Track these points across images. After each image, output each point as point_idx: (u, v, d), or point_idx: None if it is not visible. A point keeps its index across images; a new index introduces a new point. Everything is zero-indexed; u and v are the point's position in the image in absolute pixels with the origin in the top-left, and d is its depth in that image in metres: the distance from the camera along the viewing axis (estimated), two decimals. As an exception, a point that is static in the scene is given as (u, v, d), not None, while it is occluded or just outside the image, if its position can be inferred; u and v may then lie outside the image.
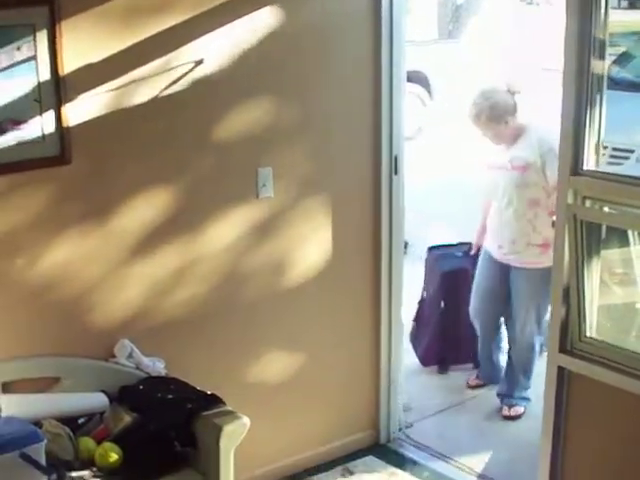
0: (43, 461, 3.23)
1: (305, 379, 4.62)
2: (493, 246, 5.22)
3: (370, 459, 4.83)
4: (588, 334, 3.84)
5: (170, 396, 3.74)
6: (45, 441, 3.28)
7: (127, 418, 3.71)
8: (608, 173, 3.75)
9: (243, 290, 4.31)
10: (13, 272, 3.66)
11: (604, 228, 3.78)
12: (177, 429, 3.60)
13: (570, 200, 3.75)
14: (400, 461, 4.84)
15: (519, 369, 5.30)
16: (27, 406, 3.59)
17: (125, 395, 3.83)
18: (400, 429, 5.09)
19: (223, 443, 3.51)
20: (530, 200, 4.96)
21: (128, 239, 3.92)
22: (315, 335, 4.61)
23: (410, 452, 4.93)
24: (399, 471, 4.73)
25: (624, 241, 3.89)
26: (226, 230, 4.18)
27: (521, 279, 5.15)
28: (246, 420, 3.56)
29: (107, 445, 3.57)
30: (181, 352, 4.11)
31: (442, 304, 5.76)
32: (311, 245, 4.49)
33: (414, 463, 4.82)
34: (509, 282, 5.22)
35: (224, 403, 3.68)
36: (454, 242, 5.86)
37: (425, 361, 5.85)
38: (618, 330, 3.90)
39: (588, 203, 3.76)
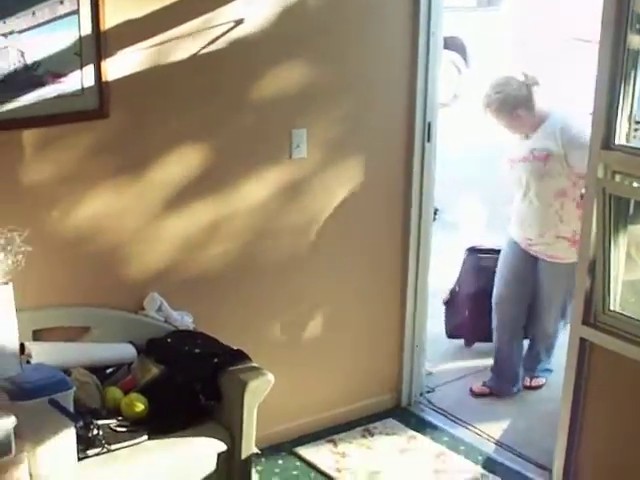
0: (71, 408, 3.30)
1: (330, 340, 4.68)
2: (520, 238, 5.03)
3: (390, 421, 4.87)
4: (612, 307, 3.87)
5: (197, 350, 3.79)
6: (74, 389, 3.35)
7: (154, 370, 3.76)
8: (639, 148, 3.76)
9: (273, 249, 4.35)
10: (49, 223, 3.71)
11: (632, 203, 3.80)
12: (203, 383, 3.64)
13: (600, 174, 3.76)
14: (420, 425, 4.88)
15: (542, 350, 5.29)
16: (57, 354, 3.64)
17: (153, 347, 3.88)
18: (421, 393, 5.13)
19: (247, 398, 3.55)
20: (556, 191, 4.79)
21: (162, 194, 3.97)
22: (342, 296, 4.66)
23: (430, 416, 4.97)
24: (418, 435, 4.76)
25: (652, 217, 3.92)
26: (259, 189, 4.22)
27: (549, 273, 5.03)
28: (271, 377, 3.60)
29: (133, 395, 3.63)
30: (209, 308, 4.17)
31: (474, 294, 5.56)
32: (342, 207, 4.51)
33: (434, 427, 4.86)
34: (537, 271, 5.08)
35: (250, 359, 3.72)
36: (494, 247, 5.50)
37: (452, 335, 5.73)
38: (642, 305, 3.93)
39: (618, 178, 3.77)
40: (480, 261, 5.55)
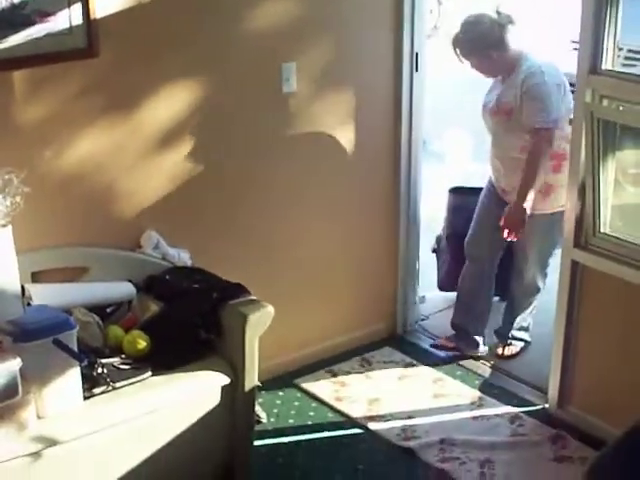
0: (75, 347, 3.32)
1: (326, 272, 4.72)
2: (496, 184, 4.69)
3: (387, 350, 4.94)
4: (602, 230, 3.94)
5: (196, 285, 3.81)
6: (77, 328, 3.37)
7: (154, 307, 3.80)
8: (626, 73, 3.78)
9: (267, 184, 4.37)
10: (43, 164, 3.71)
11: (619, 128, 3.82)
12: (203, 317, 3.67)
13: (588, 98, 3.80)
14: (416, 352, 4.94)
15: (519, 310, 4.92)
16: (57, 295, 3.65)
17: (152, 285, 3.91)
18: (416, 321, 5.20)
19: (248, 331, 3.58)
20: (521, 146, 4.39)
21: (154, 131, 3.97)
22: (335, 227, 4.69)
23: (425, 343, 5.04)
24: (415, 361, 4.83)
25: (638, 142, 3.95)
26: (250, 124, 4.23)
27: (529, 225, 4.53)
28: (271, 309, 3.64)
29: (135, 333, 3.67)
30: (206, 244, 4.19)
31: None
32: (332, 139, 4.53)
33: (430, 354, 4.93)
34: None
35: (249, 292, 3.75)
36: (478, 186, 5.03)
37: (443, 287, 5.40)
38: (630, 228, 3.96)
39: (605, 102, 3.81)
40: (463, 201, 5.18)
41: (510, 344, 4.94)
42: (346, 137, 4.58)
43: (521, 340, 4.95)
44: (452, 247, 5.20)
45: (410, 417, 4.27)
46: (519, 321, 4.91)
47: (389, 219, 4.90)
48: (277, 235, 4.48)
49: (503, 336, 4.95)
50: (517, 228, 4.42)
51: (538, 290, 4.85)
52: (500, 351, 4.91)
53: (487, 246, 4.80)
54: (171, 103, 3.98)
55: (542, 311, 4.81)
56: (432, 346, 5.00)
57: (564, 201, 4.16)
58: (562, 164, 4.38)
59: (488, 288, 4.90)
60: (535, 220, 4.48)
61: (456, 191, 5.36)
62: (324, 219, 4.64)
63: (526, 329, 4.96)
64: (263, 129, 4.27)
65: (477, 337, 4.89)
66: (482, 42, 4.38)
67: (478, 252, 4.83)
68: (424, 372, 4.75)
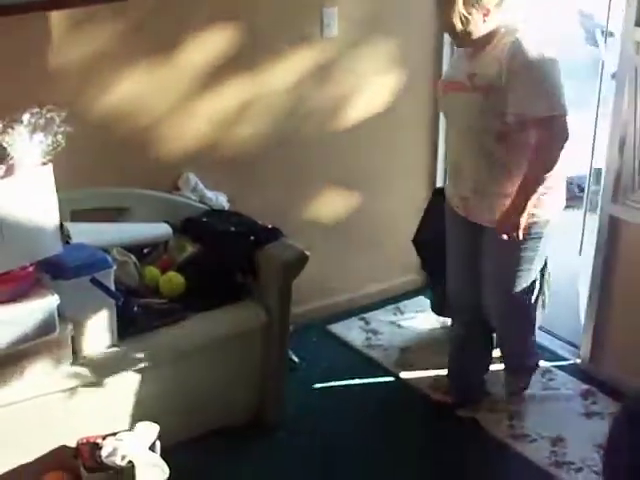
0: (112, 286, 3.37)
1: (362, 219, 4.72)
2: (456, 199, 3.72)
3: (420, 299, 4.94)
4: (641, 185, 3.91)
5: (232, 229, 3.83)
6: (114, 267, 3.42)
7: (190, 248, 3.82)
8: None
9: (304, 129, 4.36)
10: (83, 103, 3.73)
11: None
12: (239, 260, 3.70)
13: (632, 51, 3.76)
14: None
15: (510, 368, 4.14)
16: (95, 234, 3.68)
17: (189, 227, 3.93)
18: None
19: (283, 274, 3.62)
20: (498, 132, 3.46)
21: (194, 74, 3.97)
22: (372, 177, 4.68)
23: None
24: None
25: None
26: (290, 68, 4.21)
27: (494, 243, 3.64)
28: (306, 253, 3.66)
29: (171, 274, 3.71)
30: (243, 188, 4.21)
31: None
32: (372, 86, 4.51)
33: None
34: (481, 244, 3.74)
35: (285, 237, 3.77)
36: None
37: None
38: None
39: (650, 55, 3.76)
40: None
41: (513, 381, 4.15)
42: (385, 84, 4.55)
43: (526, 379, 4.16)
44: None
45: (441, 368, 4.27)
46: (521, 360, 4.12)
47: (427, 165, 4.88)
48: (314, 181, 4.48)
49: (507, 371, 4.17)
50: (516, 228, 3.50)
51: (527, 320, 4.00)
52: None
53: (476, 292, 3.85)
54: (210, 47, 3.98)
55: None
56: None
57: (543, 212, 3.58)
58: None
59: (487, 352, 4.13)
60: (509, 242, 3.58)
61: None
62: (361, 165, 4.62)
63: (532, 369, 4.16)
64: (301, 73, 4.26)
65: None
66: None
67: (467, 303, 3.92)
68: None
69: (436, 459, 3.80)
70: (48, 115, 3.19)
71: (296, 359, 4.33)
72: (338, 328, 4.65)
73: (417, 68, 4.64)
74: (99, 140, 3.81)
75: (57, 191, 3.32)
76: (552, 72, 3.39)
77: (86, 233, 3.67)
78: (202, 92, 4.00)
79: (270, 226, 3.83)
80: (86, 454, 3.32)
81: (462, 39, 3.49)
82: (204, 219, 3.93)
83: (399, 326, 4.71)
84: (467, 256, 3.81)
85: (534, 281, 3.80)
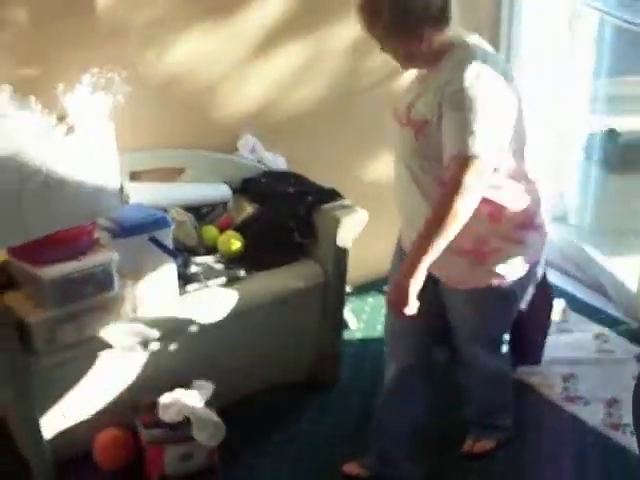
0: (170, 245, 3.39)
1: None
2: (407, 242, 3.07)
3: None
4: None
5: (291, 189, 3.84)
6: (173, 226, 3.44)
7: (249, 209, 3.85)
8: None
9: (362, 90, 4.35)
10: (145, 65, 3.75)
11: None
12: (297, 221, 3.70)
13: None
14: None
15: (478, 401, 3.58)
16: (154, 194, 3.73)
17: (247, 187, 3.96)
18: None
19: (341, 235, 3.61)
20: (437, 176, 2.79)
21: (254, 35, 3.97)
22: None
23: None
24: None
25: None
26: (346, 29, 4.17)
27: (451, 301, 3.15)
28: (364, 213, 3.65)
29: (230, 233, 3.73)
30: (302, 149, 4.20)
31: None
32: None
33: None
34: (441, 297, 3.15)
35: (343, 197, 3.77)
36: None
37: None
38: None
39: None
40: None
41: (483, 437, 3.58)
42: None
43: (497, 429, 3.59)
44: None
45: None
46: (491, 418, 3.58)
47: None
48: (372, 143, 4.45)
49: (475, 424, 3.60)
50: (402, 304, 2.76)
51: (498, 376, 3.48)
52: (469, 446, 3.57)
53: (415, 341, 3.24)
54: (268, 9, 3.97)
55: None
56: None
57: (511, 269, 2.97)
58: (502, 213, 2.89)
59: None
60: (468, 297, 3.07)
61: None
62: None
63: (502, 429, 3.58)
64: (358, 34, 4.21)
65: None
66: (412, 13, 2.67)
67: (403, 351, 3.29)
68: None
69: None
70: (108, 75, 3.22)
71: (352, 320, 4.34)
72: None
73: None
74: (159, 101, 3.82)
75: (118, 151, 3.35)
76: (484, 102, 2.62)
77: (145, 193, 3.72)
78: (260, 54, 4.00)
79: (328, 187, 3.83)
80: (143, 410, 3.38)
81: (408, 64, 2.89)
82: (263, 180, 3.95)
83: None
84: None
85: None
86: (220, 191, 3.93)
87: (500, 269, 2.95)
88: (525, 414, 3.75)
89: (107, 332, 3.29)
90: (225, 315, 3.51)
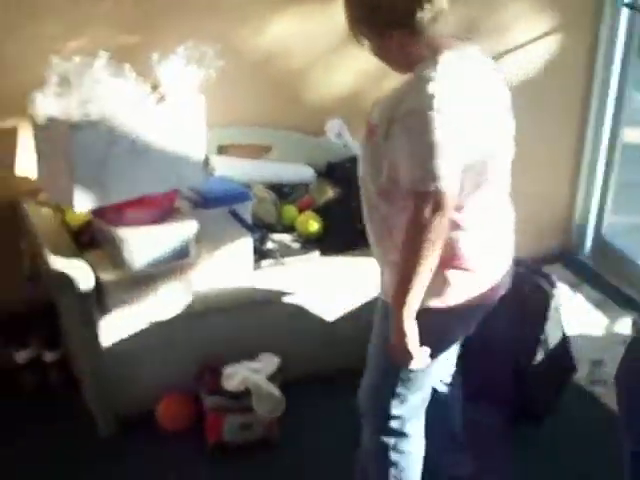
0: (249, 220, 3.47)
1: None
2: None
3: (557, 267, 4.84)
4: None
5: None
6: (253, 201, 3.52)
7: (331, 192, 3.88)
8: None
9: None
10: (239, 41, 3.80)
11: None
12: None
13: None
14: (587, 274, 4.83)
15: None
16: (238, 169, 3.80)
17: (331, 171, 4.00)
18: (593, 241, 4.97)
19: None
20: (380, 187, 2.56)
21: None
22: (516, 137, 4.58)
23: (597, 267, 4.88)
24: (584, 284, 4.74)
25: None
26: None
27: (376, 317, 2.80)
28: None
29: (308, 214, 3.78)
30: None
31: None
32: (517, 48, 4.41)
33: (599, 277, 4.80)
34: None
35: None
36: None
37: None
38: None
39: None
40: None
41: None
42: (534, 52, 4.43)
43: None
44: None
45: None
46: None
47: (577, 127, 4.71)
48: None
49: None
50: (404, 357, 2.53)
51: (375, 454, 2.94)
52: None
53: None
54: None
55: None
56: None
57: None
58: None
59: None
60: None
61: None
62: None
63: None
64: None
65: None
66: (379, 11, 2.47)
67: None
68: (590, 295, 4.64)
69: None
70: (202, 48, 3.30)
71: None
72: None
73: (571, 34, 4.50)
74: (251, 78, 3.87)
75: (206, 125, 3.42)
76: (438, 128, 2.31)
77: (230, 167, 3.78)
78: (353, 41, 4.02)
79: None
80: (207, 377, 3.46)
81: (393, 66, 2.66)
82: (347, 165, 3.95)
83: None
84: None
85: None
86: (303, 172, 3.98)
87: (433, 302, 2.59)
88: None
89: (179, 298, 3.38)
90: (296, 293, 3.57)
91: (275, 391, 3.37)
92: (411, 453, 2.84)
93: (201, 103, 3.38)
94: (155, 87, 3.31)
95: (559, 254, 4.99)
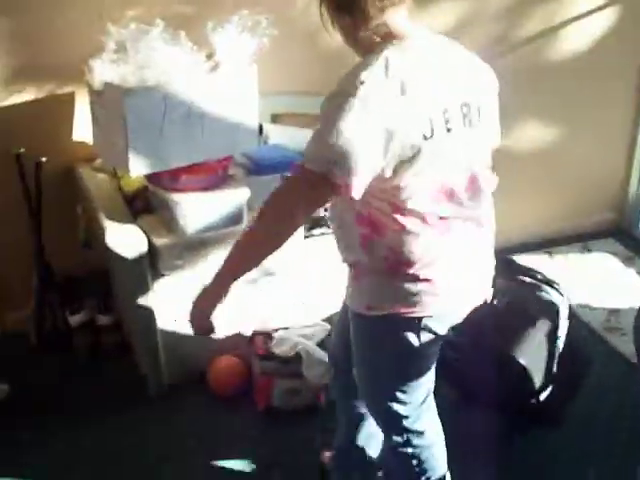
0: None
1: (557, 155, 4.66)
2: None
3: (610, 241, 4.87)
4: None
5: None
6: (305, 169, 3.55)
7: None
8: None
9: (503, 58, 4.31)
10: (291, 11, 3.82)
11: None
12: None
13: None
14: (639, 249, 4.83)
15: None
16: (292, 138, 3.79)
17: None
18: None
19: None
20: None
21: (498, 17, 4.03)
22: (573, 109, 4.60)
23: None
24: (636, 258, 4.73)
25: None
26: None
27: (352, 336, 2.60)
28: (494, 179, 3.62)
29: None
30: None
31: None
32: (578, 23, 4.41)
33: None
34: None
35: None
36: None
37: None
38: None
39: None
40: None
41: None
42: (591, 26, 4.44)
43: None
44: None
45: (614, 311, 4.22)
46: None
47: (628, 97, 4.72)
48: (510, 110, 4.42)
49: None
50: (200, 327, 2.44)
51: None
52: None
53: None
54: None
55: None
56: None
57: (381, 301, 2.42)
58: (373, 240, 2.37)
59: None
60: (365, 325, 2.52)
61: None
62: (560, 98, 4.53)
63: None
64: (509, 3, 4.24)
65: None
66: None
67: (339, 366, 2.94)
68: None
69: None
70: (256, 17, 3.32)
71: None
72: (522, 257, 4.57)
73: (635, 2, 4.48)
74: (303, 48, 3.88)
75: (260, 93, 3.44)
76: (338, 114, 2.15)
77: (284, 135, 3.81)
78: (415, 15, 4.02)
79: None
80: (259, 342, 3.51)
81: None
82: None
83: (584, 264, 4.65)
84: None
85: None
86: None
87: (370, 295, 2.45)
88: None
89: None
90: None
91: (325, 357, 3.41)
92: (428, 446, 2.76)
93: (254, 72, 3.40)
94: (210, 55, 3.34)
95: (613, 228, 4.98)
